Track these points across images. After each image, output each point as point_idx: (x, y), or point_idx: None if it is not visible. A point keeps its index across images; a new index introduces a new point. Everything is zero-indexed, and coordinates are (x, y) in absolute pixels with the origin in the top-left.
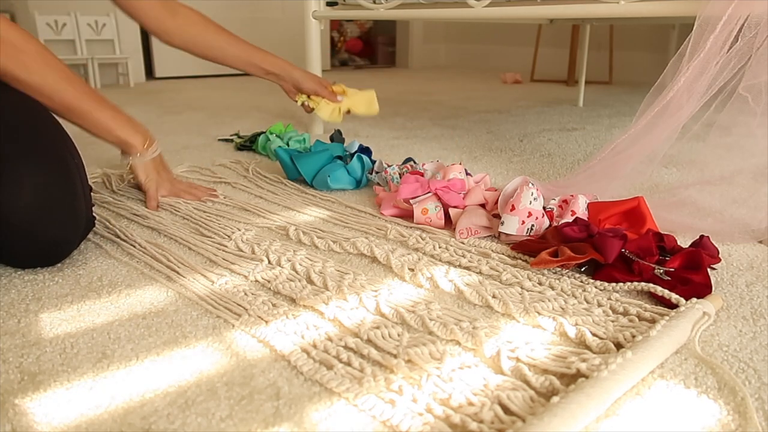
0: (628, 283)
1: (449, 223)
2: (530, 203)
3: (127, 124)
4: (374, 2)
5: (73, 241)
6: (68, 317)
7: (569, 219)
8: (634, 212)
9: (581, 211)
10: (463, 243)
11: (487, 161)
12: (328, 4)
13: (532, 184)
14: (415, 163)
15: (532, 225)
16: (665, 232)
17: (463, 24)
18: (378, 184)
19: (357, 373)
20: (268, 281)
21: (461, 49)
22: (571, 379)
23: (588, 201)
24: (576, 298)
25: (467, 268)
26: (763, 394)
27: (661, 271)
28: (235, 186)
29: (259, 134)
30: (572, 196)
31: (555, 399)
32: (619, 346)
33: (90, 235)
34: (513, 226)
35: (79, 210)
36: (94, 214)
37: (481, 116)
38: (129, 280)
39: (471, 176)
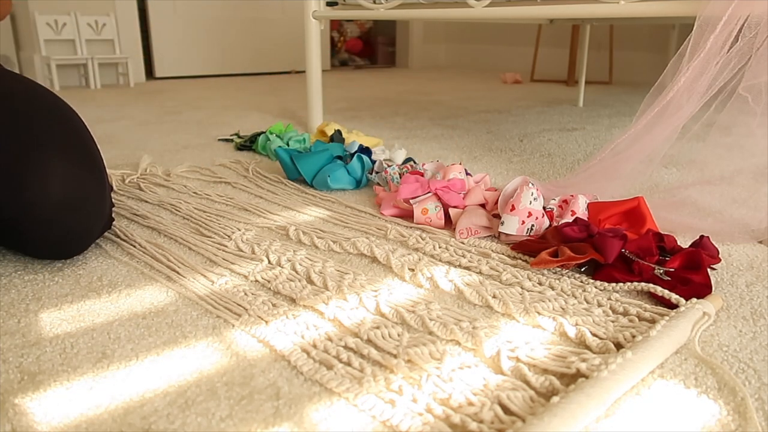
0: (628, 283)
1: (449, 223)
2: (530, 203)
3: None
4: (374, 2)
5: (94, 235)
6: (68, 317)
7: (569, 219)
8: (634, 212)
9: (581, 211)
10: (463, 243)
11: (487, 161)
12: (328, 4)
13: (532, 184)
14: (415, 163)
15: (532, 225)
16: (665, 232)
17: (463, 24)
18: (378, 184)
19: (357, 373)
20: (268, 281)
21: (461, 49)
22: (571, 379)
23: (588, 201)
24: (576, 298)
25: (467, 268)
26: (763, 394)
27: (661, 271)
28: (235, 186)
29: (259, 134)
30: (572, 196)
31: (555, 399)
32: (619, 346)
33: None
34: (513, 226)
35: (104, 204)
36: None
37: (481, 116)
38: (129, 280)
39: (471, 176)
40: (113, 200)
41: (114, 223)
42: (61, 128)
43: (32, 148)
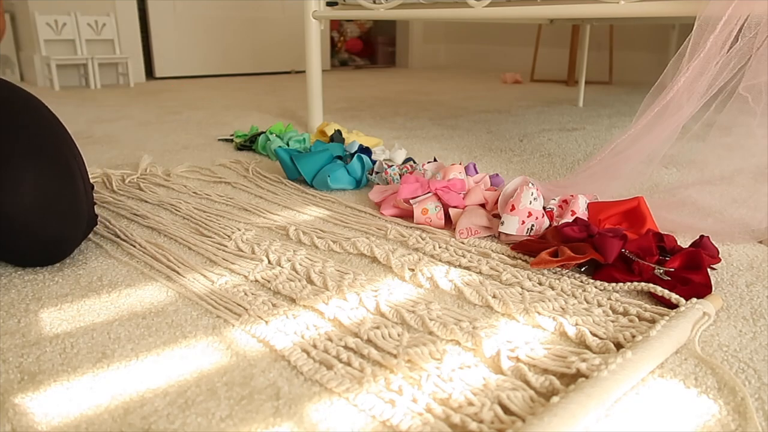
0: (628, 283)
1: (449, 223)
2: (530, 203)
3: None
4: (374, 2)
5: (75, 240)
6: (68, 317)
7: (569, 219)
8: (634, 212)
9: (581, 211)
10: (463, 243)
11: (487, 161)
12: (328, 4)
13: (532, 184)
14: (414, 163)
15: (532, 225)
16: (665, 232)
17: (463, 24)
18: (378, 184)
19: (357, 373)
20: (268, 281)
21: (461, 49)
22: (571, 379)
23: (588, 201)
24: (576, 298)
25: (467, 268)
26: (763, 394)
27: (661, 271)
28: (235, 186)
29: (259, 134)
30: (572, 196)
31: (555, 399)
32: (619, 346)
33: (90, 235)
34: (513, 226)
35: (80, 208)
36: (96, 212)
37: (481, 116)
38: (129, 280)
39: (478, 173)
40: (112, 200)
41: (114, 223)
42: (30, 134)
43: (3, 157)
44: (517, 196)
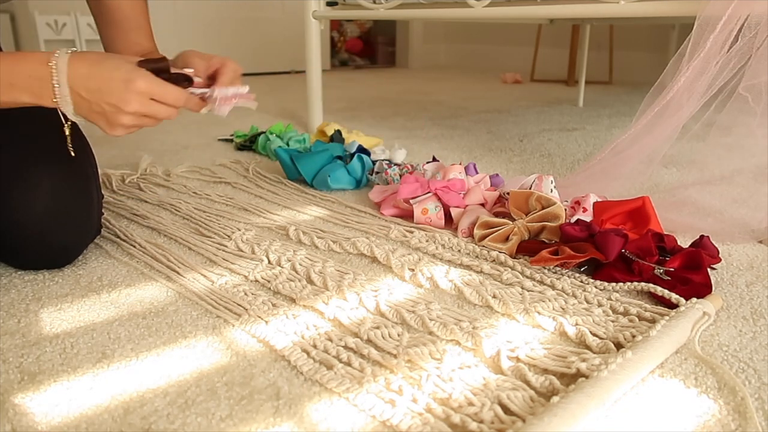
0: (628, 283)
1: (449, 223)
2: (551, 191)
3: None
4: (374, 2)
5: (83, 247)
6: (68, 317)
7: (581, 215)
8: (639, 212)
9: (592, 210)
10: (464, 242)
11: (487, 161)
12: (328, 4)
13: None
14: (413, 166)
15: None
16: (666, 232)
17: (463, 24)
18: (378, 184)
19: (357, 373)
20: (268, 281)
21: (461, 49)
22: (571, 379)
23: (598, 201)
24: (576, 298)
25: (468, 267)
26: (763, 394)
27: (661, 271)
28: (235, 186)
29: (259, 134)
30: (584, 196)
31: (555, 399)
32: (619, 346)
33: None
34: None
35: (91, 217)
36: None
37: (481, 116)
38: (129, 280)
39: (478, 173)
40: (112, 200)
41: (114, 223)
42: (48, 139)
43: (21, 162)
44: (537, 186)
